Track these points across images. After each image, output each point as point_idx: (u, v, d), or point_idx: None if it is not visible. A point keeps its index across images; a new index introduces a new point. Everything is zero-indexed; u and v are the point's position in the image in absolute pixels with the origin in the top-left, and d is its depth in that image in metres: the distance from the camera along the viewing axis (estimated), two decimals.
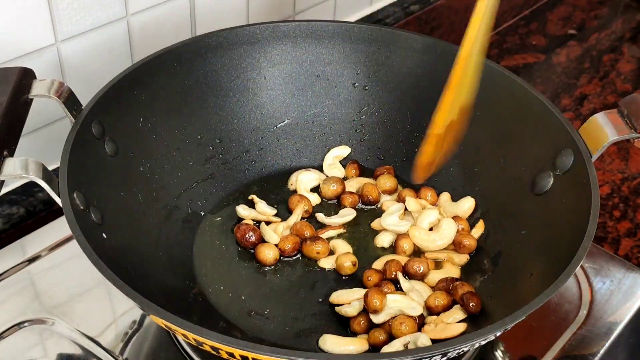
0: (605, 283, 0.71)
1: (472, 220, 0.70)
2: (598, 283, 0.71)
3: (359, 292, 0.62)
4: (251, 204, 0.72)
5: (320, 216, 0.71)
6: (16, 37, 0.67)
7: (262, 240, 0.69)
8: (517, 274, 0.62)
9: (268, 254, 0.67)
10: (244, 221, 0.70)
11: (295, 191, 0.74)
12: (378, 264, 0.67)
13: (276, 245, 0.68)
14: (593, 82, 1.06)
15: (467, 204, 0.70)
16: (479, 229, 0.69)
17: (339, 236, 0.70)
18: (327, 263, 0.67)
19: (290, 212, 0.72)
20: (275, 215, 0.71)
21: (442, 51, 0.72)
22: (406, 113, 0.76)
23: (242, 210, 0.71)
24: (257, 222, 0.71)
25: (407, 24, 1.10)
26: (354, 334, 0.61)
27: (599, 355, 0.65)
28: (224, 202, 0.73)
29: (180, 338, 0.59)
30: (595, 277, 0.72)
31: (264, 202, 0.72)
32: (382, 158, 0.77)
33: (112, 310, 0.67)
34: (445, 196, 0.72)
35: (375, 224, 0.71)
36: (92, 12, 0.72)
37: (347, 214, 0.71)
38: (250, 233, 0.68)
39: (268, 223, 0.71)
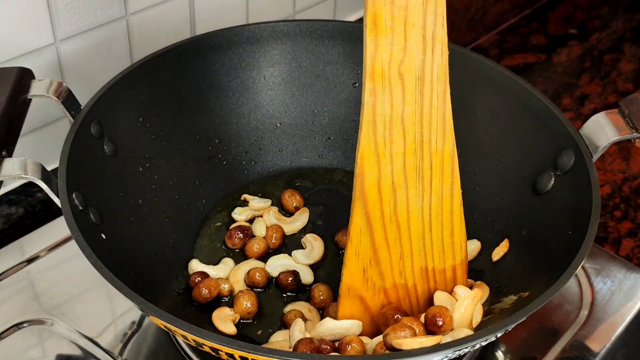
0: (606, 283, 0.71)
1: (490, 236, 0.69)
2: (599, 283, 0.71)
3: None
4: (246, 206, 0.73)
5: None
6: (15, 36, 0.67)
7: (251, 236, 0.69)
8: (517, 274, 0.62)
9: (255, 247, 0.67)
10: (234, 224, 0.70)
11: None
12: None
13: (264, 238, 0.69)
14: (594, 81, 1.06)
15: (470, 246, 0.66)
16: (503, 248, 0.66)
17: None
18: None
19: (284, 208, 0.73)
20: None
21: None
22: None
23: (238, 215, 0.71)
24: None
25: None
26: None
27: (600, 355, 0.65)
28: (223, 202, 0.73)
29: (180, 339, 0.59)
30: (596, 278, 0.71)
31: (257, 197, 0.72)
32: None
33: (112, 310, 0.67)
34: None
35: None
36: (91, 11, 0.71)
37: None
38: (239, 233, 0.68)
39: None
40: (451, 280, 0.59)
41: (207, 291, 0.62)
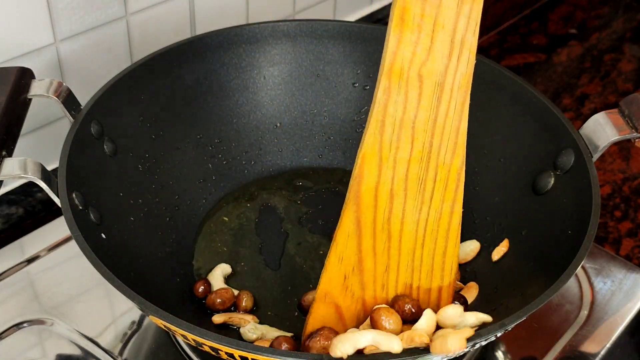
0: (607, 283, 0.71)
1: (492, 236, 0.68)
2: (599, 283, 0.71)
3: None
4: None
5: None
6: (15, 36, 0.67)
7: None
8: (517, 274, 0.62)
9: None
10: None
11: None
12: None
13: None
14: (594, 81, 1.06)
15: (470, 247, 0.67)
16: (502, 248, 0.65)
17: None
18: None
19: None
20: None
21: None
22: None
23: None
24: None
25: None
26: None
27: (600, 356, 0.65)
28: (223, 202, 0.73)
29: (180, 339, 0.59)
30: (596, 278, 0.71)
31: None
32: None
33: (111, 310, 0.67)
34: None
35: None
36: (91, 11, 0.71)
37: None
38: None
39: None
40: (435, 303, 0.55)
41: (220, 301, 0.62)
